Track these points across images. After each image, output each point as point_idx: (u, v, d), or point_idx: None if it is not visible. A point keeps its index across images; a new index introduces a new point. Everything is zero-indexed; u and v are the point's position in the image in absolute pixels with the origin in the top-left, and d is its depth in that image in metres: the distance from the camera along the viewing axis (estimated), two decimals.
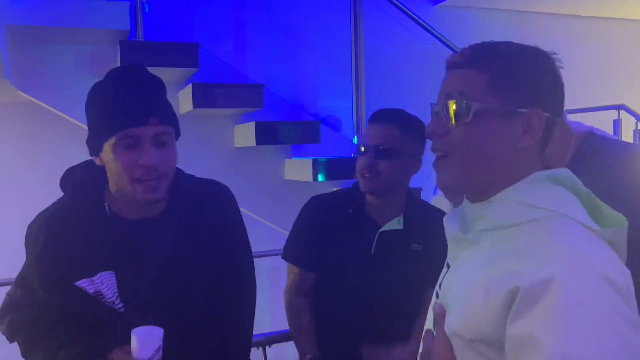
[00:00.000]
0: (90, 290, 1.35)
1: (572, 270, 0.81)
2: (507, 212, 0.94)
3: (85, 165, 1.43)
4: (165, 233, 1.37)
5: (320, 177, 2.94)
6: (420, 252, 1.75)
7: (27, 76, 2.94)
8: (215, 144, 3.18)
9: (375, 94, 3.43)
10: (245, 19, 3.88)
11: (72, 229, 1.36)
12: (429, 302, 1.31)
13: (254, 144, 2.96)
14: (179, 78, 3.03)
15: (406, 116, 1.81)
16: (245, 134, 3.12)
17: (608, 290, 0.81)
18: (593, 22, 5.16)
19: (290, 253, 1.84)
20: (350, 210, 1.80)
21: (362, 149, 1.77)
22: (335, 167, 2.85)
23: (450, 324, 0.94)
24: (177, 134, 1.37)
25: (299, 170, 3.10)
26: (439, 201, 2.08)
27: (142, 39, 2.86)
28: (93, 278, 1.34)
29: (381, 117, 1.78)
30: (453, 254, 1.05)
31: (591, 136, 1.43)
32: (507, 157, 0.95)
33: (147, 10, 3.09)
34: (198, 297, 1.43)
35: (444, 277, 1.06)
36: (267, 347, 1.99)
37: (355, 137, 3.33)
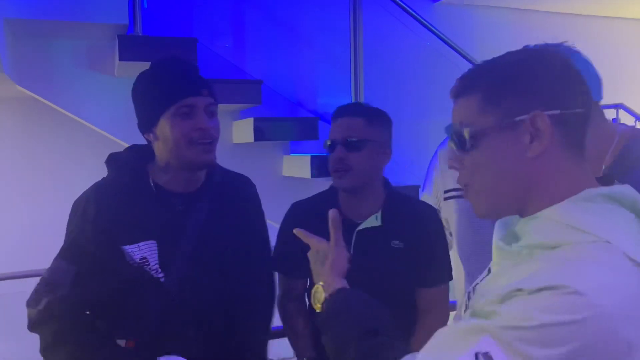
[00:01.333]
0: (137, 256, 1.44)
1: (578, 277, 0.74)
2: (546, 231, 0.84)
3: (129, 148, 1.59)
4: (203, 206, 1.52)
5: (318, 174, 2.94)
6: (402, 250, 1.68)
7: (26, 70, 2.94)
8: None
9: (374, 90, 3.42)
10: (244, 15, 3.87)
11: (118, 199, 1.47)
12: (429, 301, 1.31)
13: (252, 140, 2.96)
14: None
15: (369, 108, 1.78)
16: (243, 130, 3.12)
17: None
18: (593, 20, 5.16)
19: (276, 263, 1.82)
20: (326, 210, 1.76)
21: (329, 144, 1.72)
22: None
23: None
24: (217, 102, 1.56)
25: (297, 166, 3.10)
26: (428, 199, 2.07)
27: (140, 34, 2.85)
28: (139, 244, 1.44)
29: (344, 111, 1.75)
30: (496, 260, 0.97)
31: (637, 137, 1.30)
32: (522, 169, 0.88)
33: (145, 5, 3.08)
34: (230, 271, 1.53)
35: (481, 281, 1.02)
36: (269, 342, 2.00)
37: None
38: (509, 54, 0.93)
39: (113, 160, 1.55)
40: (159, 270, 1.45)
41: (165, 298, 1.43)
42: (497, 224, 1.00)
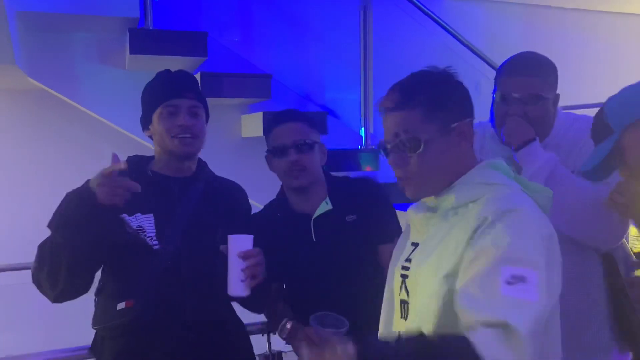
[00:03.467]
0: (134, 224, 1.66)
1: (527, 205, 1.17)
2: (470, 190, 1.22)
3: (135, 158, 1.82)
4: (196, 188, 1.76)
5: (326, 168, 2.94)
6: (357, 221, 1.86)
7: (37, 63, 2.96)
8: (222, 134, 3.18)
9: (384, 85, 3.43)
10: (253, 9, 3.87)
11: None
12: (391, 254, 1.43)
13: (262, 134, 2.96)
14: (187, 67, 3.02)
15: (305, 113, 2.01)
16: (252, 124, 3.12)
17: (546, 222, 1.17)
18: (605, 17, 5.13)
19: None
20: (279, 215, 1.92)
21: (275, 151, 1.87)
22: (342, 158, 2.86)
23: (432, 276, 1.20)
24: (207, 117, 1.81)
25: None
26: None
27: (151, 27, 2.86)
28: (137, 215, 1.67)
29: (286, 117, 1.91)
30: (421, 232, 1.31)
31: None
32: (454, 162, 1.24)
33: None
34: (218, 243, 1.69)
35: (411, 253, 1.31)
36: (270, 333, 2.02)
37: (363, 128, 3.33)
38: (427, 73, 1.28)
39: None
40: (154, 238, 1.66)
41: (159, 263, 1.64)
42: (413, 208, 1.34)
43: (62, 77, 2.99)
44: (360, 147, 3.35)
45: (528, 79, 1.69)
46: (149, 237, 1.66)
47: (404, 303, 1.29)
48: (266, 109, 3.05)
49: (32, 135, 4.26)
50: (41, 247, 1.60)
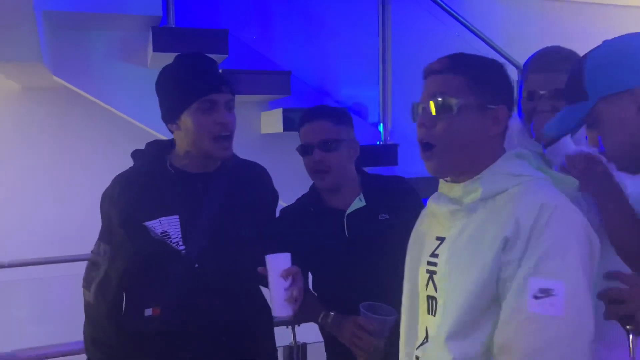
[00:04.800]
0: (159, 230, 1.57)
1: (557, 199, 1.14)
2: (497, 182, 1.20)
3: (149, 143, 1.73)
4: (220, 184, 1.66)
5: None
6: (389, 220, 1.84)
7: (62, 61, 3.02)
8: (241, 130, 3.19)
9: (402, 81, 3.44)
10: (273, 6, 3.90)
11: (139, 182, 1.63)
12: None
13: (281, 131, 3.00)
14: None
15: (333, 108, 1.95)
16: (272, 121, 3.16)
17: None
18: (621, 10, 5.07)
19: None
20: (312, 209, 1.89)
21: (302, 149, 1.85)
22: (362, 155, 2.89)
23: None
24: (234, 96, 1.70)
25: None
26: None
27: (173, 25, 2.90)
28: (161, 219, 1.58)
29: (312, 115, 1.88)
30: (446, 227, 1.27)
31: None
32: (481, 143, 1.22)
33: None
34: (245, 244, 1.66)
35: (437, 248, 1.28)
36: (295, 325, 2.05)
37: (382, 124, 3.35)
38: (481, 56, 1.29)
39: (135, 153, 1.72)
40: (181, 243, 1.57)
41: (186, 268, 1.57)
42: (435, 199, 1.32)
43: (86, 75, 3.04)
44: (379, 142, 3.37)
45: (554, 74, 1.67)
46: (174, 242, 1.58)
47: (431, 299, 1.27)
48: (285, 106, 3.08)
49: (57, 132, 4.34)
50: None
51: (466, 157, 1.22)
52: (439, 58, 1.27)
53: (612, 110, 1.19)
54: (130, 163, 1.71)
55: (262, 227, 1.72)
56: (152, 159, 1.66)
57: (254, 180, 1.78)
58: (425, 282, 1.29)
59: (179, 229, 1.58)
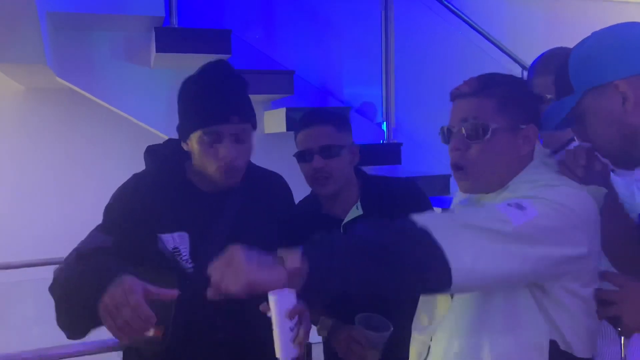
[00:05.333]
0: (170, 245, 1.48)
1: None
2: (523, 189, 1.19)
3: (167, 143, 1.63)
4: (235, 202, 1.55)
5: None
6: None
7: (65, 62, 3.02)
8: None
9: (405, 80, 3.43)
10: (276, 5, 3.90)
11: (157, 190, 1.52)
12: None
13: (284, 130, 3.00)
14: None
15: (333, 112, 1.84)
16: (275, 120, 3.16)
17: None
18: (628, 7, 5.05)
19: None
20: (310, 217, 1.79)
21: (301, 156, 1.76)
22: (365, 153, 2.90)
23: None
24: (254, 127, 1.55)
25: None
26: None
27: (176, 26, 2.91)
28: (174, 234, 1.48)
29: (311, 119, 1.79)
30: None
31: None
32: (512, 163, 1.24)
33: None
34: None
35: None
36: None
37: (385, 123, 3.34)
38: (507, 75, 1.31)
39: (152, 153, 1.60)
40: (189, 260, 1.49)
41: (192, 287, 1.40)
42: (461, 206, 1.34)
43: (89, 75, 3.05)
44: (382, 141, 3.36)
45: None
46: (184, 259, 1.50)
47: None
48: (289, 105, 3.08)
49: (60, 133, 4.35)
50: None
51: (499, 176, 1.24)
52: (466, 81, 1.28)
53: (598, 104, 1.14)
54: (135, 161, 1.65)
55: (277, 243, 1.61)
56: (169, 165, 1.57)
57: (272, 197, 1.68)
58: None
59: (188, 247, 1.50)
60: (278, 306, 1.35)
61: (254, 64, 3.47)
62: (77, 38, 2.99)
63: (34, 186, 4.34)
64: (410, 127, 3.62)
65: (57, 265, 1.53)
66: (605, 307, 1.14)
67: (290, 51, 3.80)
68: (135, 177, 1.58)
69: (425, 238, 1.01)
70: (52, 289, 1.45)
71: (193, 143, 1.48)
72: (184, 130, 1.51)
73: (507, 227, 1.05)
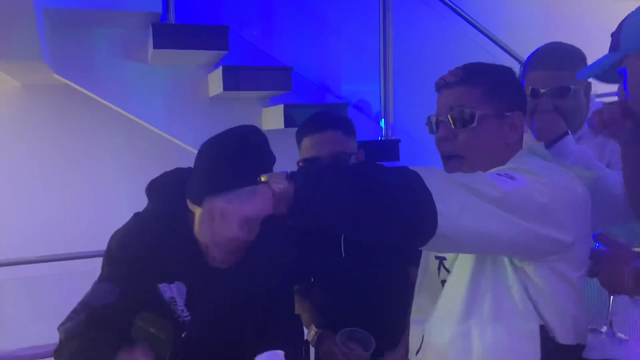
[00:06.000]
0: (167, 295, 1.45)
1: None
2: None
3: (171, 177, 1.53)
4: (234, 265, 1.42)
5: None
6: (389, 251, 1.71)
7: (62, 59, 3.01)
8: None
9: (403, 77, 3.43)
10: (273, 2, 3.89)
11: (158, 240, 1.44)
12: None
13: (282, 127, 2.99)
14: (209, 61, 3.07)
15: (340, 117, 1.80)
16: (273, 117, 3.15)
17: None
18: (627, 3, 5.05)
19: None
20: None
21: (308, 163, 1.70)
22: (363, 150, 2.90)
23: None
24: None
25: None
26: None
27: (173, 22, 2.90)
28: (171, 285, 1.44)
29: (320, 124, 1.73)
30: None
31: None
32: (501, 150, 1.25)
33: None
34: (257, 315, 1.51)
35: None
36: None
37: (383, 120, 3.34)
38: (492, 64, 1.32)
39: (155, 192, 1.53)
40: (184, 310, 1.47)
41: (189, 339, 1.42)
42: None
43: (86, 72, 3.04)
44: (381, 138, 3.36)
45: (555, 72, 1.66)
46: (179, 309, 1.47)
47: (444, 283, 1.28)
48: (286, 102, 3.07)
49: (57, 130, 4.34)
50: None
51: (488, 163, 1.24)
52: (450, 71, 1.30)
53: (636, 66, 1.20)
54: (130, 158, 1.62)
55: (276, 295, 1.57)
56: (174, 209, 1.46)
57: (274, 239, 1.48)
58: (437, 269, 1.32)
59: (184, 297, 1.46)
60: None
61: (251, 61, 3.46)
62: (74, 34, 2.98)
63: (30, 183, 4.33)
64: (408, 124, 3.62)
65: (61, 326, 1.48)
66: (592, 264, 1.19)
67: (288, 48, 3.79)
68: (137, 221, 1.50)
69: (416, 181, 0.99)
70: (60, 354, 1.41)
71: (197, 214, 1.36)
72: (195, 196, 1.37)
73: (497, 191, 1.05)
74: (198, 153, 1.41)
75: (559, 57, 1.70)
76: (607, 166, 1.62)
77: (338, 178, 0.99)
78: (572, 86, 1.65)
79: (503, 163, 1.24)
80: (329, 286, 1.82)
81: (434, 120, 1.31)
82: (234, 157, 1.35)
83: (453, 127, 1.25)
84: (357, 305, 1.76)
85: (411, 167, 1.03)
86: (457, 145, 1.26)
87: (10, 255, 3.40)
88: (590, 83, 1.71)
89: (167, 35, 2.78)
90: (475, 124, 1.23)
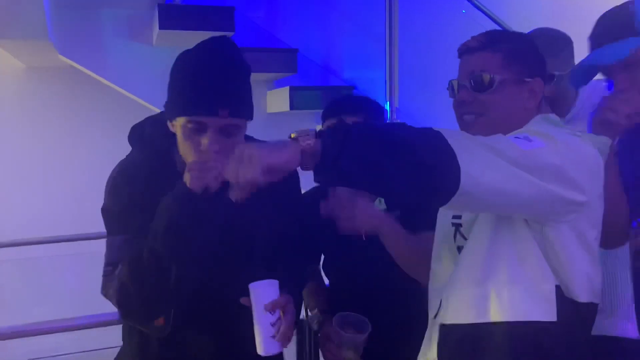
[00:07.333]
0: None
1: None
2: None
3: (153, 121, 1.48)
4: (222, 204, 1.32)
5: None
6: (401, 215, 1.66)
7: (67, 39, 3.01)
8: None
9: (409, 59, 3.41)
10: None
11: (141, 183, 1.40)
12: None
13: (288, 109, 2.99)
14: None
15: (366, 102, 1.77)
16: (278, 100, 3.15)
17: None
18: None
19: None
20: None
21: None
22: None
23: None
24: (250, 117, 1.39)
25: None
26: None
27: (179, 3, 2.89)
28: None
29: (343, 109, 1.70)
30: None
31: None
32: (519, 114, 1.28)
33: None
34: (257, 253, 1.48)
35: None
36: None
37: (388, 103, 3.33)
38: (515, 32, 1.37)
39: (137, 138, 1.50)
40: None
41: (193, 280, 1.39)
42: None
43: (91, 53, 3.04)
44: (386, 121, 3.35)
45: None
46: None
47: (460, 249, 1.28)
48: (292, 84, 3.06)
49: (61, 111, 4.34)
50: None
51: (505, 127, 1.25)
52: (474, 36, 1.32)
53: None
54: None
55: (282, 233, 1.53)
56: (155, 149, 1.44)
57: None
58: (453, 235, 1.31)
59: None
60: (257, 298, 1.32)
61: (257, 42, 3.45)
62: (80, 15, 2.98)
63: (33, 165, 4.35)
64: (413, 108, 3.60)
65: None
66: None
67: (294, 29, 3.77)
68: (123, 167, 1.47)
69: (441, 140, 1.02)
70: (122, 284, 1.37)
71: (177, 128, 1.33)
72: (171, 111, 1.35)
73: (516, 151, 1.08)
74: (171, 70, 1.37)
75: (543, 44, 1.69)
76: None
77: (364, 136, 1.02)
78: (556, 72, 1.65)
79: (519, 127, 1.26)
80: (344, 268, 1.80)
81: (455, 84, 1.33)
82: (194, 69, 1.32)
83: (473, 90, 1.28)
84: (371, 286, 1.76)
85: (435, 128, 1.05)
86: (475, 106, 1.28)
87: (13, 237, 3.43)
88: None
89: (172, 16, 2.77)
90: (495, 87, 1.26)
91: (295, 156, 1.00)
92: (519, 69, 1.28)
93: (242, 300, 1.35)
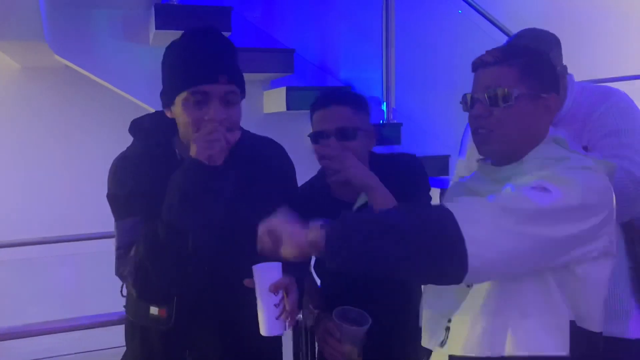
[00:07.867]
0: None
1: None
2: (542, 166, 1.23)
3: (153, 115, 1.56)
4: (228, 178, 1.42)
5: None
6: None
7: (63, 39, 3.00)
8: (244, 110, 3.18)
9: (406, 60, 3.41)
10: None
11: (144, 169, 1.46)
12: None
13: (284, 110, 2.99)
14: None
15: (351, 93, 1.79)
16: (275, 100, 3.14)
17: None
18: None
19: None
20: (319, 200, 1.74)
21: (315, 137, 1.66)
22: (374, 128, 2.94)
23: None
24: (243, 95, 1.47)
25: None
26: (462, 163, 2.10)
27: (176, 2, 2.88)
28: None
29: (329, 99, 1.70)
30: None
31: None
32: (532, 130, 1.29)
33: None
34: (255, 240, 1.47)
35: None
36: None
37: (385, 103, 3.33)
38: (529, 47, 1.34)
39: (137, 129, 1.54)
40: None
41: (194, 265, 1.40)
42: (475, 181, 1.40)
43: (87, 53, 3.03)
44: (382, 121, 3.35)
45: None
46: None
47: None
48: (289, 85, 3.06)
49: (56, 111, 4.34)
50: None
51: (518, 145, 1.28)
52: (489, 50, 1.32)
53: None
54: (130, 141, 1.61)
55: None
56: (157, 141, 1.50)
57: (268, 163, 1.58)
58: None
59: None
60: (261, 280, 1.34)
61: (254, 42, 3.45)
62: (76, 15, 2.97)
63: (30, 164, 4.34)
64: (410, 108, 3.61)
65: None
66: None
67: (290, 29, 3.77)
68: (125, 155, 1.52)
69: (449, 224, 1.07)
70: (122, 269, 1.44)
71: (178, 108, 1.39)
72: (169, 95, 1.42)
73: (530, 208, 1.11)
74: (162, 61, 1.47)
75: (531, 44, 1.69)
76: (584, 149, 1.62)
77: (366, 230, 1.09)
78: None
79: (530, 144, 1.28)
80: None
81: (469, 97, 1.33)
82: (187, 49, 1.42)
83: (489, 105, 1.27)
84: (366, 288, 1.74)
85: (447, 205, 1.10)
86: (491, 121, 1.28)
87: (9, 237, 3.42)
88: (566, 67, 1.72)
89: (169, 15, 2.77)
90: (511, 102, 1.26)
91: (300, 248, 1.14)
92: (535, 84, 1.27)
93: (246, 282, 1.37)
